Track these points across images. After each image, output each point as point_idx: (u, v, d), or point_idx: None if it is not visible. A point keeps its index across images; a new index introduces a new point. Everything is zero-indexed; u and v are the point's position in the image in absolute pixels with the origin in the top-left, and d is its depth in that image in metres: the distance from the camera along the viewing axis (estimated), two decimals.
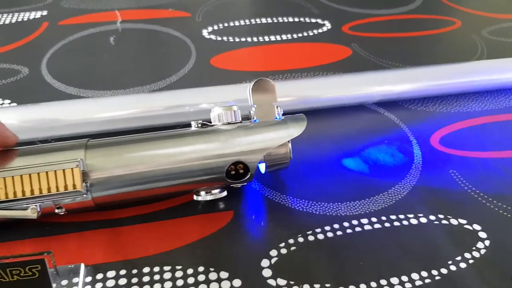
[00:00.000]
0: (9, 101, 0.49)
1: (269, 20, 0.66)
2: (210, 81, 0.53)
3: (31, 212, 0.32)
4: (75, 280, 0.32)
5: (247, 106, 0.39)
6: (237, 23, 0.65)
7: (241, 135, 0.36)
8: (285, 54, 0.59)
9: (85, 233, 0.36)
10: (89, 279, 0.33)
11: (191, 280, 0.33)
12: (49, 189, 0.32)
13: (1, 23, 0.64)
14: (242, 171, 0.36)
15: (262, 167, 0.37)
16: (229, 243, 0.35)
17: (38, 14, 0.66)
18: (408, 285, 0.33)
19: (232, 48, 0.60)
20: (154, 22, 0.65)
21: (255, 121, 0.37)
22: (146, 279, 0.33)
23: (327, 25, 0.66)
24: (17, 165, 0.32)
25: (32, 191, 0.32)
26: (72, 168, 0.32)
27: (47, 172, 0.32)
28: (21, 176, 0.31)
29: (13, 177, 0.31)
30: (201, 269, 0.34)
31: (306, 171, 0.42)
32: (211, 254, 0.35)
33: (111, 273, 0.33)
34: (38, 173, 0.32)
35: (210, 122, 0.37)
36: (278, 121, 0.37)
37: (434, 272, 0.34)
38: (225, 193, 0.37)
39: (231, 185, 0.37)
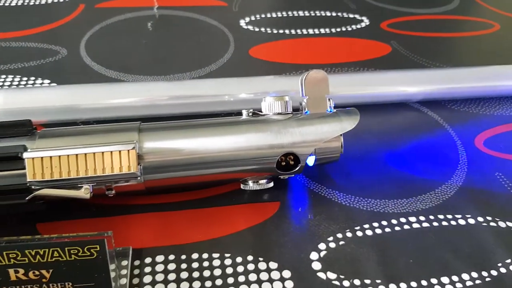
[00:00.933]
0: (48, 81, 0.49)
1: (306, 14, 0.66)
2: (250, 71, 0.53)
3: (84, 192, 0.32)
4: (124, 263, 0.32)
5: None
6: (274, 15, 0.65)
7: (294, 126, 0.35)
8: (323, 48, 0.59)
9: (131, 216, 0.35)
10: (137, 262, 0.32)
11: (240, 269, 0.32)
12: (103, 170, 0.31)
13: (37, 3, 0.63)
14: (292, 162, 0.35)
15: (311, 160, 0.37)
16: (277, 234, 0.35)
17: None
18: (458, 285, 0.33)
19: (270, 39, 0.59)
20: (191, 9, 0.64)
21: (306, 112, 0.37)
22: (195, 265, 0.32)
23: (365, 21, 0.65)
24: (72, 144, 0.32)
25: (86, 171, 0.31)
26: (128, 150, 0.31)
27: (103, 152, 0.31)
28: (76, 155, 0.31)
29: (68, 156, 0.31)
30: (250, 258, 0.33)
31: (351, 166, 0.41)
32: (259, 243, 0.34)
33: (159, 258, 0.33)
34: (94, 153, 0.31)
35: (261, 111, 0.36)
36: (330, 113, 0.37)
37: (484, 273, 0.34)
38: (272, 184, 0.36)
39: (279, 176, 0.36)
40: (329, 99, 0.37)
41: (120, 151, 0.31)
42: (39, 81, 0.48)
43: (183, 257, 0.33)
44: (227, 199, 0.37)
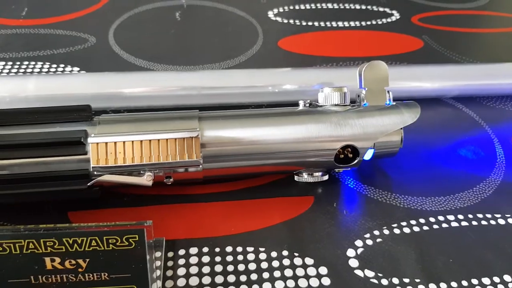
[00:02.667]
0: (78, 68, 0.48)
1: (335, 6, 0.64)
2: (279, 63, 0.52)
3: (146, 179, 0.31)
4: (157, 254, 0.31)
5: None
6: (302, 7, 0.63)
7: (354, 117, 0.34)
8: (354, 41, 0.58)
9: (164, 207, 0.35)
10: (171, 254, 0.32)
11: (275, 264, 0.32)
12: (167, 157, 0.31)
13: None
14: (351, 155, 0.35)
15: (369, 154, 0.36)
16: (312, 229, 0.34)
17: None
18: (500, 286, 0.32)
19: (299, 31, 0.58)
20: (219, 0, 0.63)
21: (364, 105, 0.36)
22: (229, 258, 0.32)
23: (396, 15, 0.63)
24: (134, 130, 0.31)
25: (150, 158, 0.30)
26: (192, 138, 0.31)
27: (167, 139, 0.31)
28: (141, 141, 0.31)
29: (132, 142, 0.30)
30: (285, 253, 0.32)
31: (387, 162, 0.40)
32: (294, 238, 0.33)
33: (193, 250, 0.32)
34: (158, 140, 0.31)
35: (317, 102, 0.36)
36: (390, 106, 0.36)
37: None
38: (327, 177, 0.35)
39: (335, 170, 0.36)
40: (388, 92, 0.36)
41: (184, 139, 0.31)
42: (68, 68, 0.48)
43: (217, 249, 0.32)
44: (261, 192, 0.37)
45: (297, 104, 0.36)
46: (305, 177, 0.35)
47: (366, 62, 0.36)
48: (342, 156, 0.35)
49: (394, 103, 0.36)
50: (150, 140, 0.30)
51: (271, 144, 0.33)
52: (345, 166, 0.35)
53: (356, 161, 0.35)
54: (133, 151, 0.30)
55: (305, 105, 0.36)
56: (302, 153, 0.34)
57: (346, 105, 0.35)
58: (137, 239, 0.26)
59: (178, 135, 0.31)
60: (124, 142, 0.30)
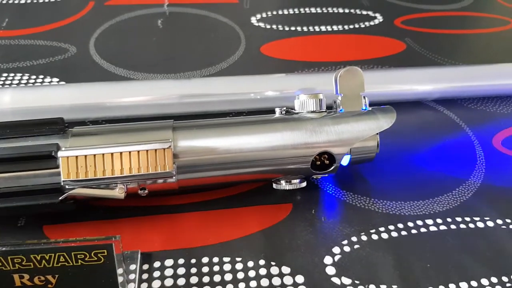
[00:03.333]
0: (57, 79, 0.48)
1: (318, 10, 0.64)
2: (261, 69, 0.52)
3: (118, 192, 0.31)
4: (132, 267, 0.31)
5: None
6: (285, 12, 0.63)
7: (329, 124, 0.34)
8: (336, 45, 0.58)
9: (141, 219, 0.35)
10: (146, 266, 0.31)
11: (252, 273, 0.31)
12: (139, 169, 0.30)
13: (46, 0, 0.62)
14: (327, 162, 0.35)
15: (346, 160, 0.36)
16: (290, 237, 0.34)
17: None
18: None
19: (282, 36, 0.58)
20: (202, 7, 0.63)
21: (341, 110, 0.36)
22: (205, 269, 0.32)
23: (379, 17, 0.63)
24: (106, 143, 0.31)
25: (121, 170, 0.30)
26: (164, 149, 0.31)
27: (138, 151, 0.30)
28: (111, 154, 0.30)
29: (103, 155, 0.30)
30: (262, 262, 0.32)
31: (367, 167, 0.40)
32: (271, 247, 0.33)
33: (169, 262, 0.32)
34: (130, 152, 0.30)
35: (294, 109, 0.36)
36: (366, 111, 0.36)
37: (505, 278, 0.32)
38: (304, 184, 0.35)
39: (313, 176, 0.36)
40: (364, 97, 0.36)
41: (156, 150, 0.31)
42: (47, 79, 0.48)
43: (193, 261, 0.32)
44: (238, 201, 0.36)
45: (274, 112, 0.36)
46: (283, 185, 0.35)
47: (342, 68, 0.36)
48: (319, 162, 0.35)
49: (370, 109, 0.36)
50: (121, 153, 0.30)
51: (246, 153, 0.33)
52: (322, 172, 0.35)
53: (332, 167, 0.35)
54: (104, 164, 0.30)
55: (281, 112, 0.35)
56: (278, 160, 0.34)
57: (322, 111, 0.35)
58: (105, 254, 0.26)
59: (150, 146, 0.31)
60: (95, 155, 0.30)
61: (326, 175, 0.36)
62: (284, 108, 0.36)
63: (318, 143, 0.34)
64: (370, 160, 0.36)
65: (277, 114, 0.35)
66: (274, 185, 0.35)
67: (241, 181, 0.35)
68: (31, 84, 0.46)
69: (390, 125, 0.35)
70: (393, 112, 0.36)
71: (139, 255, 0.31)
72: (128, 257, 0.31)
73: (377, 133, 0.35)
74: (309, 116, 0.35)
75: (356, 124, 0.35)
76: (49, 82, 0.47)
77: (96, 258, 0.26)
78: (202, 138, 0.33)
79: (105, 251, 0.26)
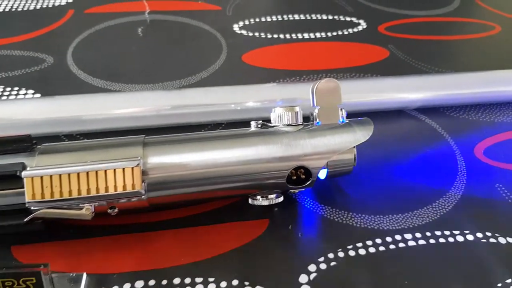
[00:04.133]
0: (32, 91, 0.47)
1: (302, 17, 0.64)
2: (243, 78, 0.51)
3: (85, 212, 0.30)
4: None
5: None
6: (268, 19, 0.63)
7: (305, 137, 0.34)
8: (319, 52, 0.57)
9: (111, 238, 0.34)
10: None
11: None
12: (106, 189, 0.30)
13: (25, 9, 0.62)
14: (303, 176, 0.34)
15: (323, 173, 0.35)
16: (265, 255, 0.33)
17: (64, 1, 0.64)
18: None
19: (264, 44, 0.58)
20: (184, 14, 0.63)
21: (317, 123, 0.35)
22: None
23: (362, 24, 0.63)
24: (74, 161, 0.30)
25: (88, 190, 0.29)
26: (132, 168, 0.30)
27: (105, 170, 0.30)
28: (78, 174, 0.29)
29: (69, 175, 0.29)
30: (235, 282, 0.31)
31: (346, 179, 0.39)
32: (245, 266, 0.33)
33: (139, 283, 0.31)
34: (96, 172, 0.30)
35: (270, 122, 0.35)
36: (343, 124, 0.35)
37: None
38: (281, 199, 0.34)
39: (289, 191, 0.35)
40: (341, 109, 0.36)
41: (123, 169, 0.30)
42: (23, 91, 0.47)
43: (164, 282, 0.31)
44: (213, 218, 0.36)
45: (250, 125, 0.35)
46: (259, 200, 0.34)
47: (318, 80, 0.36)
48: (295, 177, 0.34)
49: (347, 121, 0.36)
50: (87, 172, 0.29)
51: (220, 168, 0.33)
52: (298, 187, 0.34)
53: (309, 182, 0.34)
54: (70, 184, 0.29)
55: (257, 126, 0.35)
56: (253, 176, 0.33)
57: (298, 124, 0.35)
58: (34, 281, 0.25)
59: (117, 165, 0.30)
60: (60, 175, 0.29)
61: (303, 189, 0.35)
62: (260, 121, 0.35)
63: (293, 157, 0.33)
64: (348, 173, 0.36)
65: (252, 128, 0.35)
66: (250, 201, 0.35)
67: (215, 197, 0.34)
68: (6, 97, 0.45)
69: (367, 138, 0.34)
70: (370, 125, 0.35)
71: (84, 278, 0.30)
72: (72, 279, 0.30)
73: (354, 146, 0.34)
74: (284, 130, 0.34)
75: (332, 137, 0.34)
76: (24, 94, 0.46)
77: (24, 286, 0.25)
78: (173, 153, 0.32)
79: (34, 278, 0.25)
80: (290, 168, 0.33)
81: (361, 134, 0.34)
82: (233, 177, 0.33)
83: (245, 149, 0.33)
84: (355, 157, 0.35)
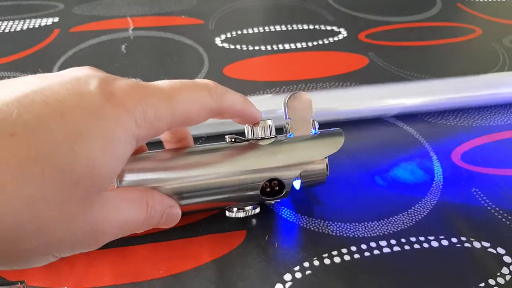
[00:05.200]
0: None
1: (283, 28, 0.65)
2: None
3: None
4: None
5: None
6: (250, 31, 0.64)
7: (276, 150, 0.35)
8: (300, 63, 0.58)
9: (90, 253, 0.34)
10: None
11: None
12: None
13: (12, 30, 0.63)
14: (277, 188, 0.35)
15: (297, 184, 0.36)
16: (242, 266, 0.34)
17: (50, 21, 0.65)
18: None
19: (246, 56, 0.59)
20: (167, 29, 0.64)
21: (290, 135, 0.36)
22: None
23: (343, 32, 0.64)
24: None
25: None
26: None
27: None
28: None
29: None
30: None
31: (323, 189, 0.40)
32: (222, 277, 0.33)
33: None
34: None
35: (244, 136, 0.36)
36: (314, 136, 0.36)
37: None
38: (258, 210, 0.35)
39: (265, 202, 0.36)
40: (313, 121, 0.37)
41: None
42: None
43: None
44: (191, 230, 0.36)
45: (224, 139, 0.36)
46: (235, 212, 0.35)
47: (290, 93, 0.36)
48: (269, 189, 0.35)
49: (319, 132, 0.36)
50: None
51: (193, 183, 0.33)
52: (273, 198, 0.35)
53: (283, 193, 0.35)
54: None
55: (230, 140, 0.36)
56: (227, 189, 0.34)
57: (271, 137, 0.36)
58: None
59: None
60: None
61: (278, 200, 0.36)
62: (233, 136, 0.36)
63: (266, 169, 0.34)
64: (322, 182, 0.37)
65: (226, 142, 0.36)
66: (227, 213, 0.35)
67: (189, 211, 0.35)
68: None
69: (338, 149, 0.35)
70: (341, 136, 0.36)
71: None
72: None
73: (325, 157, 0.35)
74: (258, 144, 0.35)
75: (303, 149, 0.35)
76: None
77: None
78: (146, 170, 0.33)
79: None
80: (263, 180, 0.34)
81: (331, 146, 0.35)
82: (208, 191, 0.34)
83: (218, 164, 0.34)
84: (327, 167, 0.36)
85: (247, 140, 0.36)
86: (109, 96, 0.24)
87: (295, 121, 0.36)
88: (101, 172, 0.24)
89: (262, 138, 0.35)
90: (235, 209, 0.35)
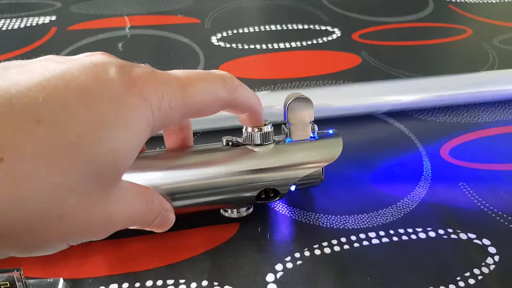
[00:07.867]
0: None
1: (278, 27, 0.66)
2: None
3: None
4: None
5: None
6: (246, 30, 0.65)
7: (273, 158, 0.35)
8: (294, 62, 0.59)
9: (86, 244, 0.35)
10: None
11: None
12: None
13: (10, 28, 0.64)
14: (272, 194, 0.36)
15: (292, 187, 0.37)
16: (234, 256, 0.35)
17: (47, 19, 0.66)
18: None
19: (241, 55, 0.60)
20: (163, 28, 0.65)
21: (288, 140, 0.36)
22: None
23: (337, 32, 0.65)
24: None
25: None
26: None
27: None
28: None
29: None
30: (204, 283, 0.33)
31: None
32: (215, 267, 0.34)
33: (113, 286, 0.33)
34: None
35: (241, 137, 0.36)
36: (313, 142, 0.36)
37: None
38: (251, 210, 0.36)
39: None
40: (312, 124, 0.37)
41: None
42: None
43: (137, 285, 0.33)
44: (186, 223, 0.37)
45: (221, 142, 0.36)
46: (229, 213, 0.36)
47: (291, 96, 0.36)
48: (263, 196, 0.36)
49: (318, 138, 0.37)
50: None
51: (187, 186, 0.33)
52: (268, 201, 0.36)
53: (277, 198, 0.36)
54: None
55: (228, 143, 0.35)
56: (222, 197, 0.34)
57: (269, 143, 0.35)
58: (8, 285, 0.26)
59: None
60: None
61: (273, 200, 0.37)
62: (231, 139, 0.35)
63: (262, 179, 0.34)
64: (316, 185, 0.38)
65: (223, 146, 0.35)
66: (222, 211, 0.36)
67: (183, 214, 0.35)
68: None
69: (337, 157, 0.36)
70: (339, 144, 0.36)
71: (60, 283, 0.32)
72: (49, 285, 0.31)
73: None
74: (255, 150, 0.35)
75: (301, 159, 0.35)
76: None
77: None
78: (145, 169, 0.33)
79: (8, 283, 0.26)
80: (258, 189, 0.35)
81: (330, 155, 0.36)
82: (201, 195, 0.34)
83: (214, 168, 0.34)
84: (322, 173, 0.37)
85: (245, 145, 0.35)
86: (129, 84, 0.24)
87: (294, 125, 0.36)
88: (122, 162, 0.24)
89: (260, 145, 0.35)
90: (229, 210, 0.36)
